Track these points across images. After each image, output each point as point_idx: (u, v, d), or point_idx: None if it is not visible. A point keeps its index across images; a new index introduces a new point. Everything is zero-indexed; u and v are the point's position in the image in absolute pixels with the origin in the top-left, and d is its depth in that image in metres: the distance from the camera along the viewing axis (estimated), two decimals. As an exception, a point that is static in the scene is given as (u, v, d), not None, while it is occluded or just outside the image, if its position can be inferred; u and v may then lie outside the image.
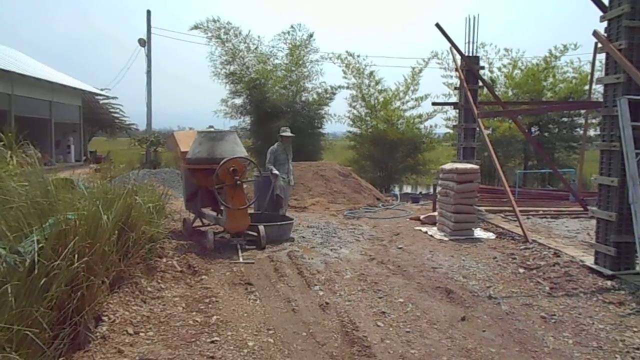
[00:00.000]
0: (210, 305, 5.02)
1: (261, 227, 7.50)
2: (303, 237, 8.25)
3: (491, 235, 8.49)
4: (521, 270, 6.33)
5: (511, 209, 9.88)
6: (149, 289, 5.37)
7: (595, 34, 5.96)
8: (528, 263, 6.62)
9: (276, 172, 8.81)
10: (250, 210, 9.79)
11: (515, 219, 9.14)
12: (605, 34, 5.93)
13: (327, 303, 5.03)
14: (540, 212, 10.77)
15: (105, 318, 4.37)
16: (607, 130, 5.89)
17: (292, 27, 19.54)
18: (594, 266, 6.04)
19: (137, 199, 5.82)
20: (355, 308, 4.94)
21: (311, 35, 19.39)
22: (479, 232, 8.64)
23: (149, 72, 22.86)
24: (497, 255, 7.10)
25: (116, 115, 32.20)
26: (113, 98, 30.84)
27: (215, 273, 6.21)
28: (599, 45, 5.97)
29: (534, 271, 6.26)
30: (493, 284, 5.79)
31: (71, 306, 3.86)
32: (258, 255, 7.11)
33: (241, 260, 6.78)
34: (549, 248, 7.19)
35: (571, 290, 5.51)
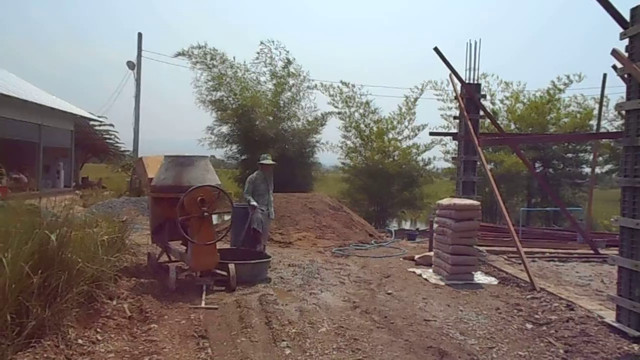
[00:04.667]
0: (147, 366, 4.10)
1: (231, 266, 6.59)
2: (281, 278, 7.33)
3: (493, 281, 7.56)
4: (529, 326, 5.39)
5: (515, 249, 8.97)
6: (79, 341, 4.45)
7: (615, 53, 5.17)
8: (536, 317, 5.68)
9: (254, 203, 7.93)
10: (227, 245, 8.92)
11: (520, 261, 8.23)
12: (627, 53, 5.15)
13: (291, 366, 4.09)
14: (547, 255, 9.84)
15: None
16: (630, 164, 5.04)
17: (262, 43, 18.52)
18: (616, 324, 5.11)
19: (70, 231, 4.92)
20: (326, 374, 4.01)
21: (289, 61, 18.59)
22: (479, 277, 7.71)
23: (137, 97, 22.17)
24: (501, 305, 6.16)
25: (111, 141, 31.48)
26: (109, 125, 30.20)
27: (168, 320, 5.29)
28: (619, 66, 5.18)
29: (544, 328, 5.32)
30: (496, 343, 4.85)
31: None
32: (225, 298, 6.18)
33: (203, 304, 5.85)
34: (560, 299, 6.26)
35: (590, 355, 4.56)
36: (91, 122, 28.67)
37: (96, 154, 33.43)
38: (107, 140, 31.29)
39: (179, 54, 18.43)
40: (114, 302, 5.64)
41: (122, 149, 32.54)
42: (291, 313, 5.60)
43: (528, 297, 6.53)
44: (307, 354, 4.43)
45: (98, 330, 4.84)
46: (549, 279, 7.70)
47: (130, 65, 22.08)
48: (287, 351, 4.47)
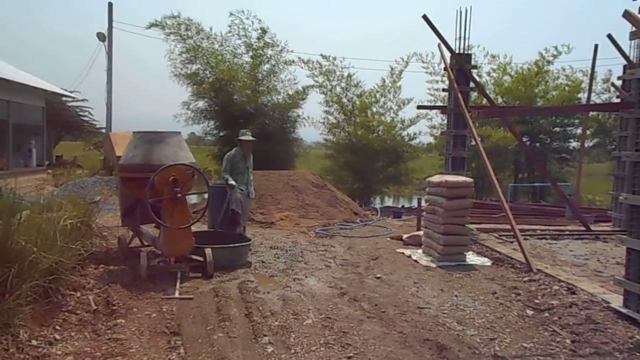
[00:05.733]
0: (110, 371, 3.61)
1: (208, 251, 6.08)
2: (262, 262, 6.84)
3: (486, 261, 7.19)
4: (529, 312, 5.02)
5: (506, 226, 8.67)
6: (33, 342, 3.95)
7: (627, 15, 4.70)
8: (537, 302, 5.32)
9: (232, 182, 7.39)
10: (204, 227, 8.40)
11: (512, 240, 7.92)
12: (641, 15, 4.68)
13: (274, 367, 3.64)
14: (538, 232, 9.52)
15: None
16: (642, 137, 4.62)
17: (231, 14, 17.52)
18: (624, 310, 4.76)
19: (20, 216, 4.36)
20: (313, 376, 3.56)
21: (263, 31, 17.75)
22: (471, 257, 7.33)
23: (109, 70, 21.04)
24: (497, 289, 5.78)
25: (85, 118, 30.35)
26: (82, 100, 29.04)
27: (137, 314, 4.79)
28: (632, 29, 4.71)
29: (547, 314, 4.95)
30: (497, 333, 4.46)
31: None
32: (202, 286, 5.69)
33: (177, 294, 5.36)
34: (560, 281, 5.90)
35: (600, 345, 4.19)
36: (63, 98, 27.52)
37: (70, 131, 32.25)
38: (81, 117, 30.18)
39: (151, 25, 17.52)
40: (78, 294, 5.13)
41: (98, 125, 31.46)
42: (273, 302, 5.14)
43: (525, 279, 6.17)
44: (292, 351, 3.98)
45: (57, 327, 4.34)
46: (544, 258, 7.35)
47: (100, 36, 20.89)
48: (270, 348, 4.02)
